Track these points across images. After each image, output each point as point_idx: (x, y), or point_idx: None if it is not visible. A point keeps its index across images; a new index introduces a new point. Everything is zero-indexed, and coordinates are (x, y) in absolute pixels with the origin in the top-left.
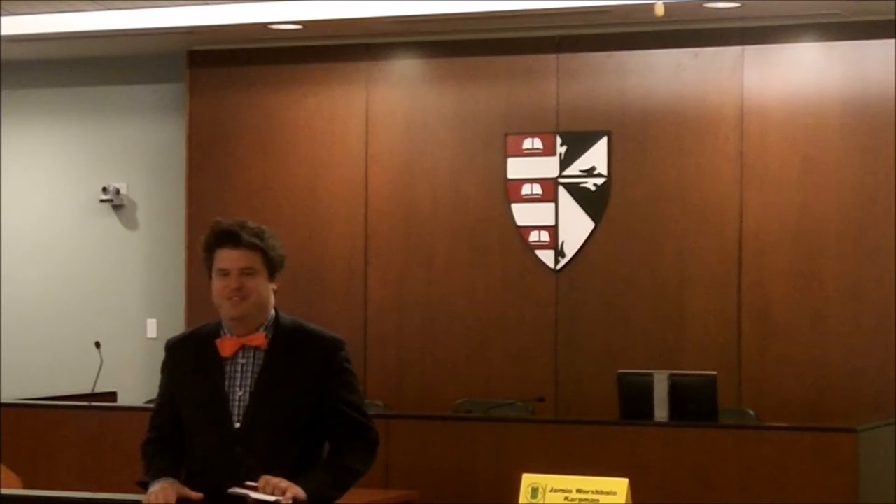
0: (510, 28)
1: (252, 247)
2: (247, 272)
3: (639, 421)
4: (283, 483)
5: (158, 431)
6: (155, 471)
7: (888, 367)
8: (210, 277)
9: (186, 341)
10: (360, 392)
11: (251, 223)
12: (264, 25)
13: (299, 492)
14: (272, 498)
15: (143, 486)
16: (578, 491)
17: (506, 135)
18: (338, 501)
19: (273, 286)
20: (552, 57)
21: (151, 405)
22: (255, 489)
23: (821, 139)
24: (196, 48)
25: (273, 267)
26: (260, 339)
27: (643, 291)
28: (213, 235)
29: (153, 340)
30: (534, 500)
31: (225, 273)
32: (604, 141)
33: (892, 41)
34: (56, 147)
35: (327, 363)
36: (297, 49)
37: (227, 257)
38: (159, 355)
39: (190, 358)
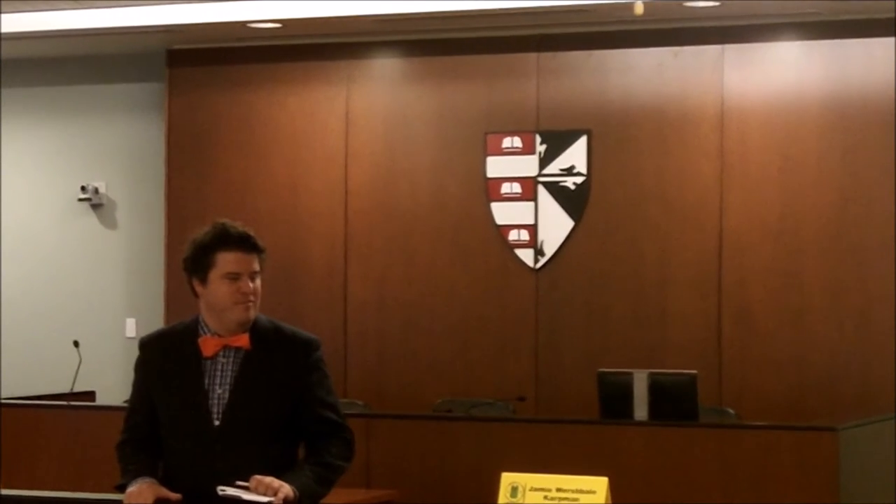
0: (490, 27)
1: (258, 250)
2: (255, 276)
3: (619, 420)
4: (276, 483)
5: (134, 432)
6: (132, 472)
7: (869, 366)
8: (199, 278)
9: (161, 339)
10: (335, 392)
11: (240, 224)
12: (243, 24)
13: (290, 491)
14: (265, 499)
15: (121, 490)
16: (558, 490)
17: (485, 134)
18: (321, 501)
19: None
20: (532, 56)
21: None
22: (245, 489)
23: (801, 138)
24: (175, 47)
25: (263, 269)
26: (245, 339)
27: (623, 290)
28: (218, 238)
29: (132, 340)
30: (513, 500)
31: (235, 277)
32: (583, 140)
33: (872, 40)
34: (34, 146)
35: (304, 363)
36: (276, 48)
37: (238, 261)
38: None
39: (167, 356)
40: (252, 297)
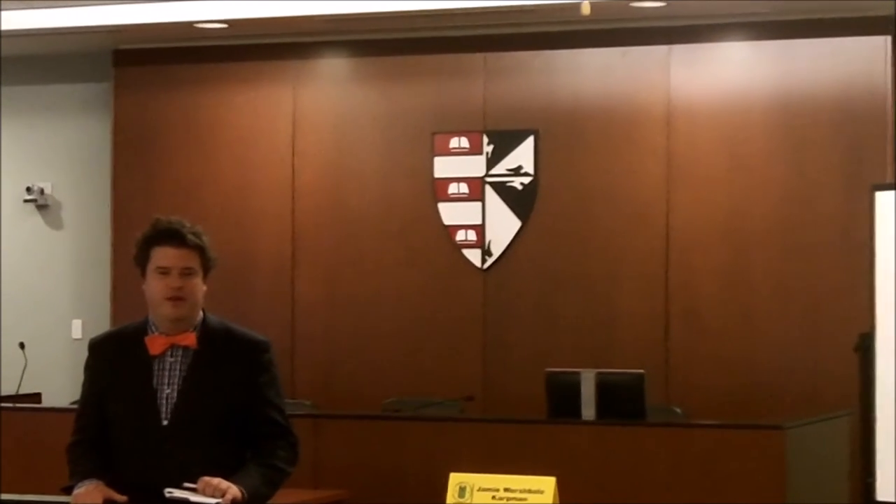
0: (437, 27)
1: (193, 247)
2: (187, 272)
3: (566, 420)
4: (224, 484)
5: (84, 433)
6: (80, 473)
7: (816, 364)
8: (142, 274)
9: (110, 340)
10: (283, 395)
11: (188, 223)
12: (190, 24)
13: (237, 493)
14: (212, 500)
15: (68, 492)
16: (506, 490)
17: (433, 134)
18: (268, 502)
19: (203, 287)
20: (479, 56)
21: (76, 406)
22: (193, 490)
23: (748, 138)
24: (122, 47)
25: (208, 268)
26: (191, 338)
27: (571, 290)
28: (154, 232)
29: (79, 341)
30: (461, 500)
31: (165, 272)
32: (530, 140)
33: (819, 40)
34: None
35: (254, 364)
36: (223, 48)
37: (169, 255)
38: (85, 356)
39: (116, 356)
40: (180, 294)
